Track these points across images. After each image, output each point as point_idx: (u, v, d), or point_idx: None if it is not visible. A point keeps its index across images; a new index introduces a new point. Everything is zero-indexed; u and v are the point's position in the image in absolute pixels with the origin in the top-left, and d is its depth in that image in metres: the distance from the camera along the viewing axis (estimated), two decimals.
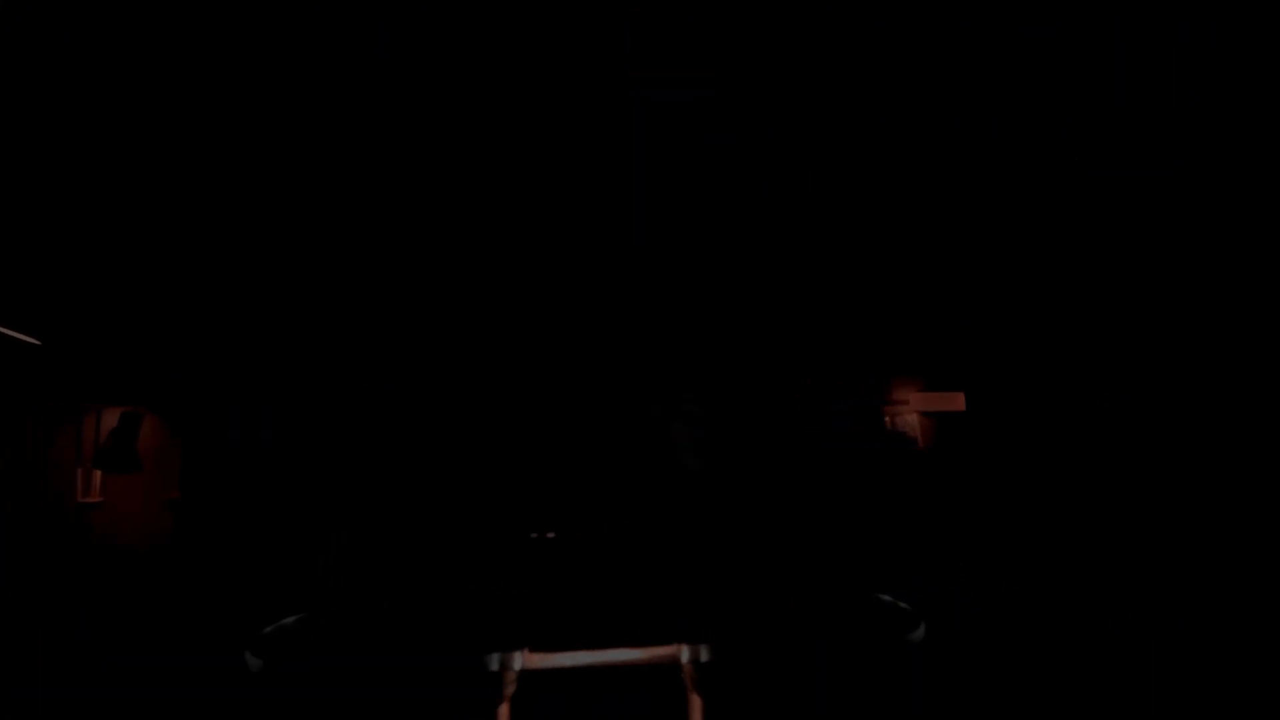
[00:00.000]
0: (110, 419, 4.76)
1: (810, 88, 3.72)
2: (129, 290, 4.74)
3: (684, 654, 2.06)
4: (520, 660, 2.03)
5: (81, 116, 3.56)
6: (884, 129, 4.10)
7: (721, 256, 4.88)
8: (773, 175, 4.43)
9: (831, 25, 3.34)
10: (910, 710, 3.13)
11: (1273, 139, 3.99)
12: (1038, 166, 4.42)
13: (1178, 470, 4.39)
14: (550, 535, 4.42)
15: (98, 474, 4.72)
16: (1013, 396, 4.94)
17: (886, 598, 2.42)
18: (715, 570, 4.38)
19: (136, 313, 4.78)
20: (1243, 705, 3.07)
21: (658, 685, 2.79)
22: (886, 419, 5.32)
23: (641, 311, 4.85)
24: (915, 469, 5.09)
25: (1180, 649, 3.55)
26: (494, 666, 2.01)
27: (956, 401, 5.05)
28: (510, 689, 2.08)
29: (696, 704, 2.13)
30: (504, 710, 2.10)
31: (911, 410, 5.21)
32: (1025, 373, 4.94)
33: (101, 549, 4.68)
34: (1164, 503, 4.39)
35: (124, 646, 4.15)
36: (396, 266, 4.78)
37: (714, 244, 4.87)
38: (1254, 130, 3.99)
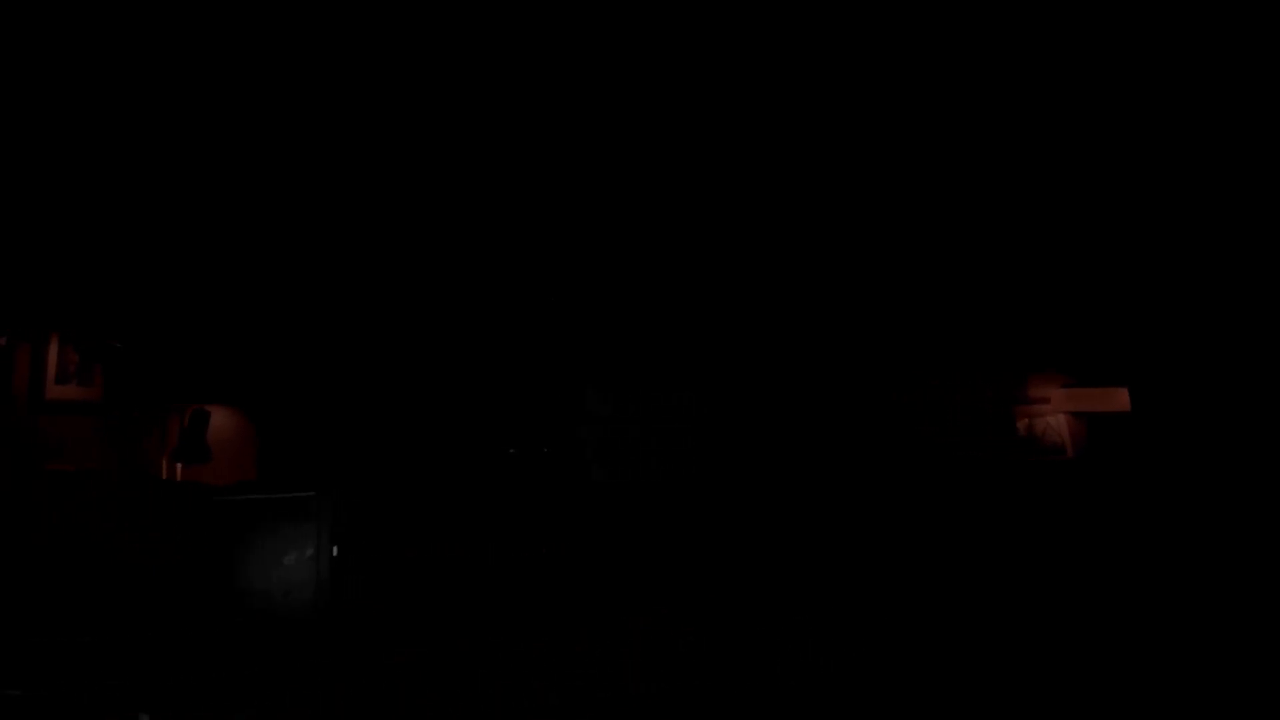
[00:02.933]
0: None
1: None
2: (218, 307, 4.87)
3: None
4: None
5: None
6: None
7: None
8: None
9: None
10: None
11: None
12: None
13: None
14: None
15: (179, 466, 4.87)
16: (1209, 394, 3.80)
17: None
18: None
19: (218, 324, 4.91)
20: None
21: None
22: (1022, 422, 4.34)
23: None
24: (1060, 485, 4.07)
25: None
26: None
27: (1117, 399, 3.99)
28: None
29: None
30: None
31: (1054, 411, 4.20)
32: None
33: None
34: None
35: None
36: None
37: None
38: None
